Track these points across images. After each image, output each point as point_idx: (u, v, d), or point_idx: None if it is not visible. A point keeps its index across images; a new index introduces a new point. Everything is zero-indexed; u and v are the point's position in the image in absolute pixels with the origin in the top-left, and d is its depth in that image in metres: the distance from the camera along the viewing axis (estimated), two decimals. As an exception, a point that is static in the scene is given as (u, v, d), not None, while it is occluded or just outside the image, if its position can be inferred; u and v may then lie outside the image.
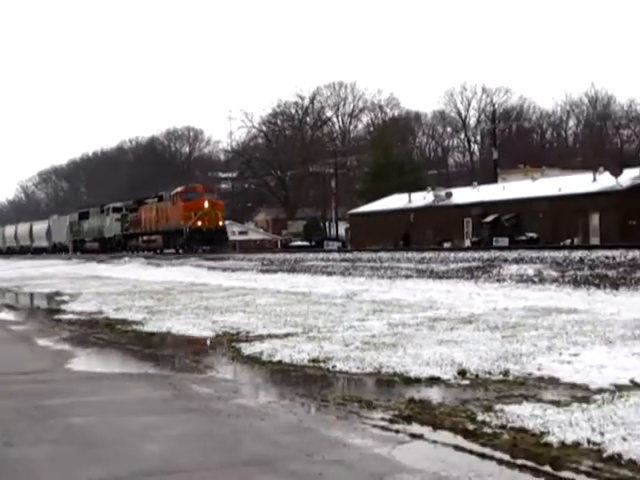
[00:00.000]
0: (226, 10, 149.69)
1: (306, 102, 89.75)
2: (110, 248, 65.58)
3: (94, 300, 19.13)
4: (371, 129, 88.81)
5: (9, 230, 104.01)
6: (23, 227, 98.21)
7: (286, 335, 11.22)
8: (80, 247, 74.84)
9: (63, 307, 18.19)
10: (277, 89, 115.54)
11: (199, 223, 51.79)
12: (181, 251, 51.87)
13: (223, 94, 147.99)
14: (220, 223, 53.52)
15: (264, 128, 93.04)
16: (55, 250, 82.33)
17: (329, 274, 25.27)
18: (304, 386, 7.98)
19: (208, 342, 11.62)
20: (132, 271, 36.73)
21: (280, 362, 9.31)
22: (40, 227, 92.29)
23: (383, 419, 6.38)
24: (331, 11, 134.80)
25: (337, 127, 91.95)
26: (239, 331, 12.06)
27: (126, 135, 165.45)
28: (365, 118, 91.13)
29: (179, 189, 56.39)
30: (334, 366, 8.73)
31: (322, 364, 8.91)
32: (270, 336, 11.26)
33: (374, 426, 6.20)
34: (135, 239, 63.00)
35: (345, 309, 14.42)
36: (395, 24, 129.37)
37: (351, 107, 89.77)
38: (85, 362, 10.44)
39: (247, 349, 10.28)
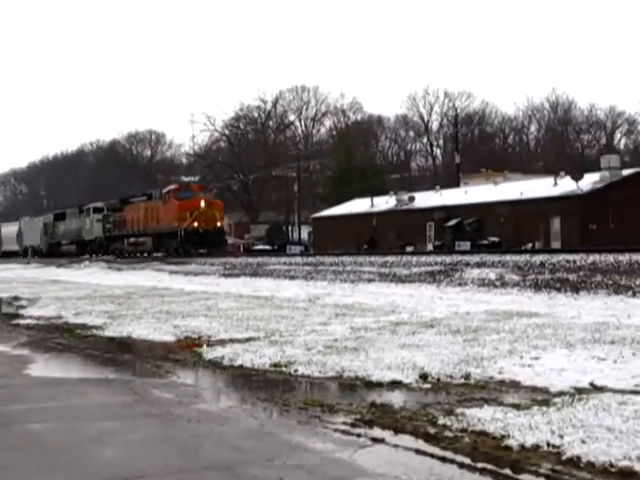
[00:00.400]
0: (187, 13, 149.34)
1: (269, 106, 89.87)
2: (90, 251, 62.62)
3: (53, 305, 18.93)
4: (334, 133, 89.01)
5: None
6: None
7: (248, 339, 11.20)
8: (56, 250, 70.95)
9: (21, 312, 17.98)
10: (239, 92, 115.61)
11: (195, 224, 48.15)
12: (175, 254, 48.98)
13: (185, 97, 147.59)
14: (218, 224, 49.87)
15: (227, 132, 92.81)
16: (26, 254, 77.92)
17: (292, 278, 25.28)
18: (265, 390, 7.95)
19: (169, 347, 11.54)
20: (93, 275, 36.46)
21: (242, 366, 9.28)
22: (10, 229, 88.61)
23: (345, 423, 6.38)
24: (294, 14, 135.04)
25: (300, 131, 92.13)
26: (201, 335, 12.01)
27: (87, 138, 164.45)
28: (328, 122, 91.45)
29: (171, 187, 53.09)
30: (296, 370, 8.72)
31: (284, 368, 8.90)
32: (232, 340, 11.23)
33: (335, 430, 6.19)
34: (119, 241, 59.20)
35: (307, 313, 14.41)
36: (358, 28, 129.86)
37: (314, 111, 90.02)
38: (44, 367, 10.32)
39: (208, 354, 10.23)
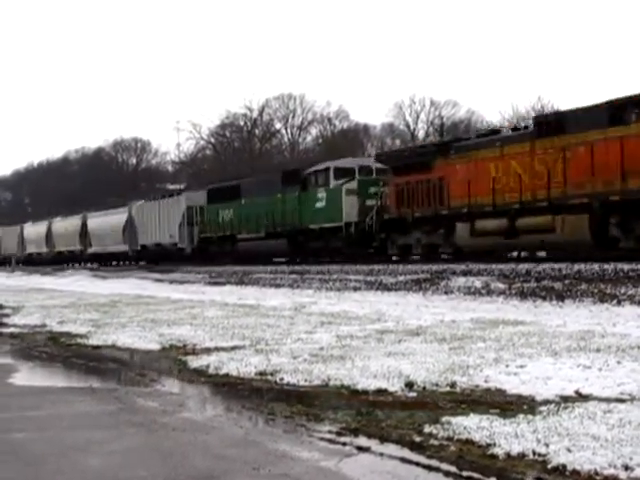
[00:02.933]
0: (173, 21, 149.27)
1: (255, 114, 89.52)
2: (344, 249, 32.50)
3: (38, 313, 18.85)
4: (320, 141, 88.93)
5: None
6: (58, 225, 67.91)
7: (233, 348, 11.18)
8: (217, 250, 42.90)
9: (5, 320, 17.91)
10: (225, 101, 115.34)
11: None
12: None
13: (171, 105, 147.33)
14: None
15: (212, 140, 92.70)
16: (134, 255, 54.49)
17: (277, 286, 25.26)
18: (251, 399, 7.94)
19: (154, 355, 11.50)
20: (77, 283, 36.35)
21: (227, 375, 9.27)
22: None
23: (330, 432, 6.37)
24: (280, 22, 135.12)
25: (286, 139, 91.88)
26: (186, 344, 11.98)
27: (72, 145, 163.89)
28: (314, 130, 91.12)
29: None
30: (282, 379, 8.71)
31: (269, 377, 8.89)
32: (217, 349, 11.21)
33: (321, 439, 6.18)
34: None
35: (293, 321, 14.40)
36: (345, 36, 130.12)
37: (300, 119, 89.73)
38: (27, 376, 10.28)
39: (194, 362, 10.21)
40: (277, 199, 36.05)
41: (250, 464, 5.51)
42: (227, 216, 41.22)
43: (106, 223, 57.48)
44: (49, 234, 69.45)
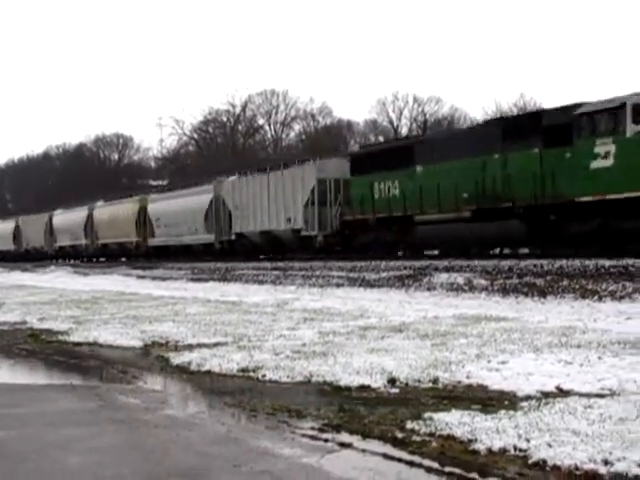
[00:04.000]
0: (155, 15, 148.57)
1: (238, 110, 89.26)
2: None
3: (18, 310, 18.76)
4: (303, 137, 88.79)
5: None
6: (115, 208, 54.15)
7: (216, 344, 11.16)
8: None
9: (-14, 317, 17.80)
10: (208, 96, 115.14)
11: None
12: None
13: (153, 101, 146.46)
14: None
15: (195, 136, 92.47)
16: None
17: (260, 283, 25.26)
18: (233, 396, 7.92)
19: (136, 352, 11.48)
20: (59, 280, 36.20)
21: (209, 372, 9.26)
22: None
23: (312, 428, 6.38)
24: (263, 18, 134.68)
25: (269, 135, 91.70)
26: (168, 340, 11.96)
27: (53, 141, 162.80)
28: (297, 126, 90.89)
29: None
30: (264, 375, 8.71)
31: (252, 373, 8.89)
32: (200, 345, 11.19)
33: (303, 435, 6.19)
34: None
35: (276, 318, 14.40)
36: (328, 32, 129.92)
37: (283, 115, 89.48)
38: (8, 373, 10.25)
39: (176, 359, 10.19)
40: (493, 161, 24.76)
41: (232, 461, 5.51)
42: (390, 190, 29.09)
43: (178, 207, 44.11)
44: (89, 223, 56.56)
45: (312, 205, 32.90)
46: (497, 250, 26.95)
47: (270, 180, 36.41)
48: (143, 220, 49.01)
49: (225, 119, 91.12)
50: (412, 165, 27.82)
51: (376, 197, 29.55)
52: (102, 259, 55.79)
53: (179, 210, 43.86)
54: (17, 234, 68.88)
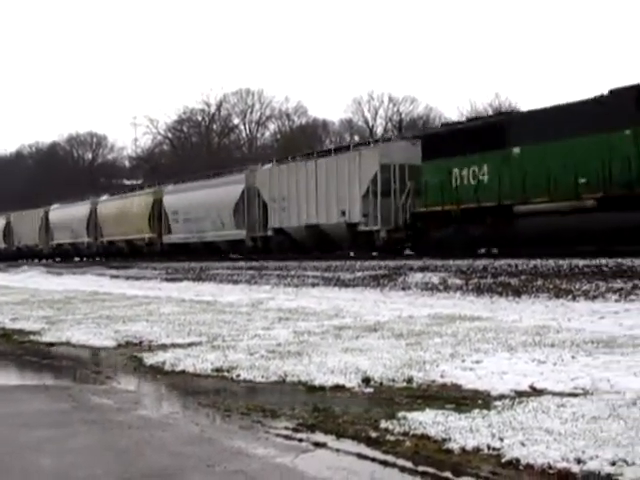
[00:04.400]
0: (129, 14, 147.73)
1: (212, 109, 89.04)
2: None
3: (-10, 310, 18.61)
4: (278, 137, 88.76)
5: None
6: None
7: (190, 344, 11.13)
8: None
9: (-43, 317, 17.64)
10: (183, 95, 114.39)
11: None
12: None
13: (127, 99, 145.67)
14: None
15: (170, 135, 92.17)
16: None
17: (235, 282, 25.21)
18: (207, 396, 7.90)
19: (110, 352, 11.42)
20: (31, 280, 35.93)
21: (183, 372, 9.23)
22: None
23: (287, 428, 6.37)
24: (237, 16, 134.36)
25: (244, 134, 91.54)
26: (142, 340, 11.91)
27: (25, 140, 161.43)
28: (272, 126, 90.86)
29: None
30: (238, 375, 8.70)
31: (226, 373, 8.87)
32: (174, 345, 11.16)
33: (277, 435, 6.18)
34: None
35: (250, 318, 14.37)
36: (302, 31, 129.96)
37: (258, 115, 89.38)
38: (-21, 374, 10.15)
39: (150, 359, 10.15)
40: (622, 138, 20.14)
41: (205, 461, 5.49)
42: (477, 177, 24.38)
43: (201, 199, 39.21)
44: (92, 218, 51.72)
45: (374, 195, 28.32)
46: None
47: (318, 167, 31.28)
48: (158, 214, 43.70)
49: (200, 118, 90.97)
50: (505, 146, 23.24)
51: (456, 185, 24.88)
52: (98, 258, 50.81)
53: (202, 203, 38.79)
54: (8, 231, 64.39)
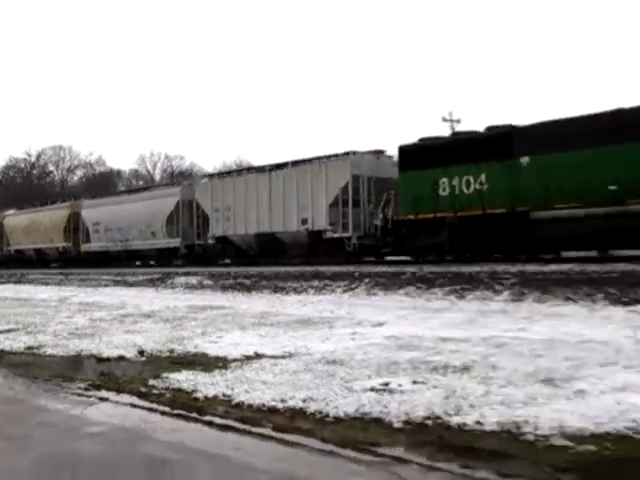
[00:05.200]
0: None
1: (33, 159, 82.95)
2: None
3: None
4: (84, 180, 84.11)
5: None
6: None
7: (8, 330, 10.19)
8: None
9: None
10: (9, 145, 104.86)
11: None
12: None
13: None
14: None
15: (0, 177, 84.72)
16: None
17: (47, 284, 23.45)
18: (21, 368, 7.27)
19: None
20: None
21: (2, 350, 8.44)
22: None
23: (80, 388, 6.00)
24: (49, 79, 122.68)
25: (57, 178, 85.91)
26: (-31, 329, 10.73)
27: None
28: (79, 172, 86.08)
29: None
30: (45, 352, 8.09)
31: (36, 350, 8.22)
32: (-5, 332, 10.16)
33: (72, 394, 5.80)
34: None
35: (58, 309, 13.42)
36: (104, 96, 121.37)
37: (68, 164, 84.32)
38: None
39: (-25, 342, 9.16)
40: None
41: (16, 417, 5.05)
42: (476, 185, 17.22)
43: (129, 211, 29.65)
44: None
45: (344, 204, 20.99)
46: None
47: (273, 178, 23.50)
48: (74, 226, 32.89)
49: (23, 165, 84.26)
50: (509, 157, 16.35)
51: (443, 194, 17.67)
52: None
53: (128, 215, 29.57)
54: None
